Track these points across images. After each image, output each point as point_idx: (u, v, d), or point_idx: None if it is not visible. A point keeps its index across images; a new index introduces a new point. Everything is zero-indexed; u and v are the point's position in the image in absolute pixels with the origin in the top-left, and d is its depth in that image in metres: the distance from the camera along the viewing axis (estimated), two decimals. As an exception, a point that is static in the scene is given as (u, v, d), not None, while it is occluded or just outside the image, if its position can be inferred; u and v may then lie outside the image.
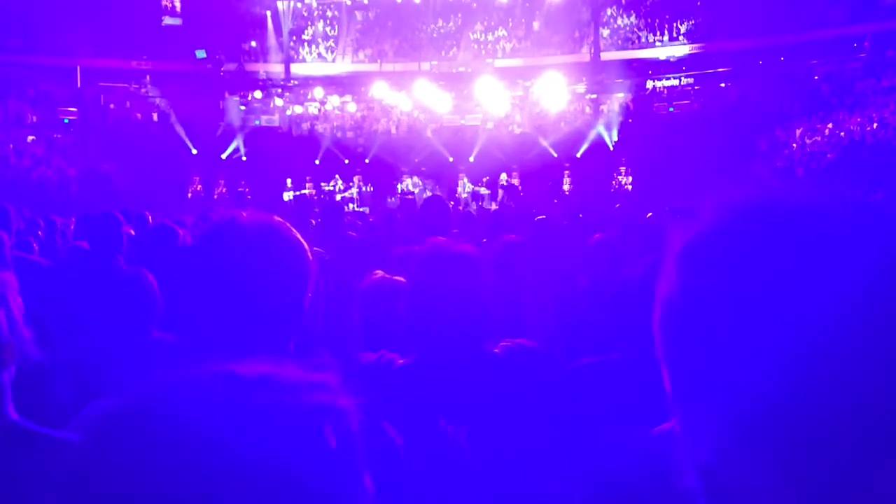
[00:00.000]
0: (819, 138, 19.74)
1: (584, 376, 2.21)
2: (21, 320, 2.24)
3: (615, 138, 22.83)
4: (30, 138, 22.01)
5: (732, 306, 0.62)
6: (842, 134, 19.19)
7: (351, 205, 20.40)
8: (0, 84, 22.92)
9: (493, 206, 17.17)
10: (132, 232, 4.84)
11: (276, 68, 27.87)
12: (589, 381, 2.18)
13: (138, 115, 25.14)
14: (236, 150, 23.37)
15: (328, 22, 29.69)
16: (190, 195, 22.23)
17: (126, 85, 25.83)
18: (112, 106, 25.05)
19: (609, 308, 2.62)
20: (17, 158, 20.75)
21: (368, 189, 22.03)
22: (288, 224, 1.50)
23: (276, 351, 1.42)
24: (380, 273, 3.02)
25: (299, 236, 1.49)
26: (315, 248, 4.53)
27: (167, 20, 27.40)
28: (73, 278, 2.48)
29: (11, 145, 21.09)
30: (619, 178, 22.10)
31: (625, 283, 2.20)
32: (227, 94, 25.93)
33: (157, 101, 25.48)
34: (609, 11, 26.98)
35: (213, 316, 1.43)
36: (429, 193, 20.53)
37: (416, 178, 22.28)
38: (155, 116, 25.14)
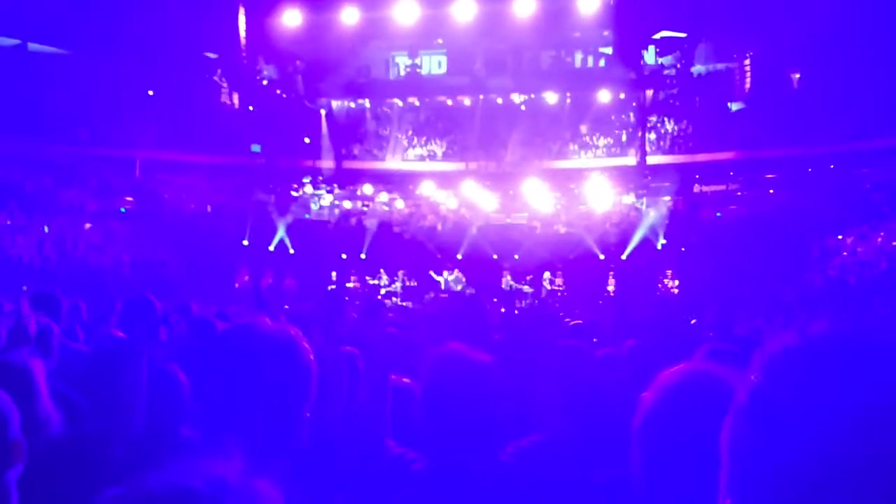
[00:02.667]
0: (870, 247, 19.43)
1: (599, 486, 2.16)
2: (48, 403, 2.27)
3: (662, 241, 22.76)
4: (87, 226, 22.74)
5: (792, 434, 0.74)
6: (895, 243, 18.88)
7: (394, 298, 20.51)
8: (65, 173, 23.91)
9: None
10: (173, 322, 4.92)
11: (327, 164, 28.64)
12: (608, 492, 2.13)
13: (192, 205, 25.90)
14: (282, 241, 23.82)
15: (380, 122, 30.59)
16: (237, 286, 22.59)
17: (182, 177, 26.73)
18: (167, 196, 25.87)
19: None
20: (74, 245, 21.40)
21: (412, 284, 22.15)
22: (296, 335, 1.63)
23: (279, 446, 1.50)
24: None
25: (305, 347, 1.62)
26: (348, 349, 4.53)
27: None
28: (107, 368, 2.52)
29: (69, 233, 21.80)
30: (666, 281, 21.92)
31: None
32: (278, 188, 26.66)
33: (211, 193, 26.27)
34: (654, 116, 27.34)
35: (224, 413, 1.52)
36: (470, 290, 20.59)
37: (458, 274, 22.36)
38: (209, 208, 25.88)
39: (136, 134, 25.47)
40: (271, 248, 23.87)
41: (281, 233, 23.89)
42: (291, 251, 23.88)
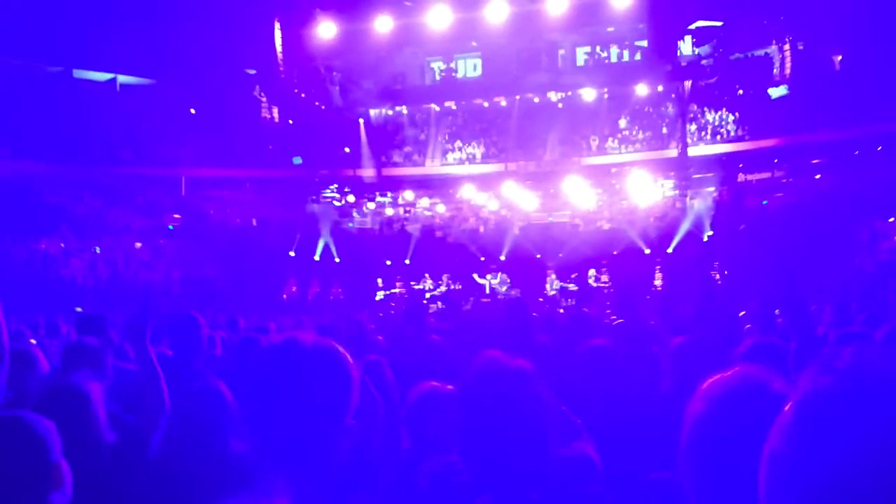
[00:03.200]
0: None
1: (646, 492, 2.16)
2: (105, 425, 2.36)
3: (708, 233, 22.48)
4: (137, 245, 23.24)
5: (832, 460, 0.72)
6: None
7: (438, 303, 20.57)
8: (112, 194, 24.48)
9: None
10: (220, 336, 5.03)
11: (368, 172, 28.86)
12: (650, 498, 2.13)
13: (238, 220, 26.31)
14: (327, 250, 24.08)
15: (418, 127, 30.72)
16: (285, 297, 22.89)
17: (227, 192, 27.17)
18: (212, 212, 26.31)
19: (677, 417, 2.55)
20: (125, 264, 21.90)
21: (457, 287, 22.18)
22: (338, 347, 1.67)
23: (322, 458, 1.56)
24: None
25: (347, 357, 1.66)
26: (374, 357, 4.56)
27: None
28: (155, 387, 2.61)
29: (121, 252, 22.32)
30: (713, 273, 21.62)
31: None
32: (321, 198, 26.96)
33: (256, 206, 26.67)
34: (694, 106, 27.00)
35: (270, 427, 1.58)
36: (514, 293, 20.54)
37: (503, 276, 22.32)
38: (254, 221, 26.28)
39: (180, 152, 25.98)
40: (316, 257, 24.14)
41: (325, 241, 24.15)
42: (337, 259, 24.12)
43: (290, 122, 29.15)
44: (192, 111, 27.53)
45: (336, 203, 27.25)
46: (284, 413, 1.61)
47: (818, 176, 23.82)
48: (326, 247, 24.31)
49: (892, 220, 19.92)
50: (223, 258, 22.80)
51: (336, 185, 27.99)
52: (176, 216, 25.38)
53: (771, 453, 0.79)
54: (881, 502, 0.69)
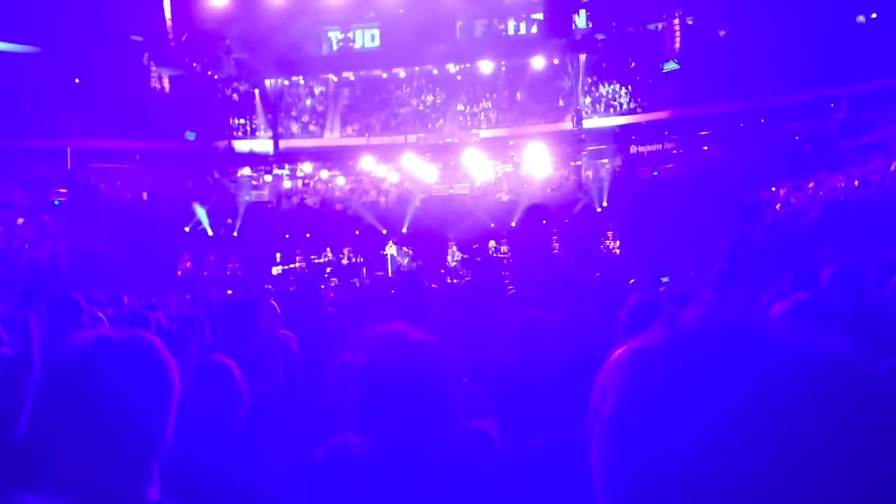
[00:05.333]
0: (803, 197, 19.96)
1: (531, 458, 2.20)
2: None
3: (602, 203, 23.08)
4: (20, 220, 22.10)
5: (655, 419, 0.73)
6: (821, 193, 19.42)
7: (333, 279, 20.39)
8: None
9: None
10: (108, 315, 4.84)
11: (264, 144, 28.22)
12: (537, 463, 2.17)
13: (128, 193, 25.33)
14: (214, 224, 23.44)
15: (315, 98, 30.21)
16: (180, 273, 22.26)
17: (116, 164, 26.08)
18: (102, 186, 25.25)
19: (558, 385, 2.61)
20: (7, 241, 20.80)
21: (358, 260, 22.04)
22: (153, 342, 1.51)
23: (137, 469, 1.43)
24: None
25: (163, 355, 1.51)
26: (283, 332, 4.51)
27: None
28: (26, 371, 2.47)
29: (1, 228, 21.17)
30: (608, 242, 22.23)
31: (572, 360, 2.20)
32: (215, 171, 26.23)
33: (147, 179, 25.72)
34: (589, 80, 27.52)
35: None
36: (415, 265, 20.60)
37: (405, 248, 22.33)
38: (144, 195, 25.34)
39: (65, 123, 24.71)
40: (186, 229, 23.34)
41: (201, 215, 23.45)
42: (210, 233, 23.48)
43: (180, 93, 28.09)
44: (77, 80, 26.20)
45: (230, 176, 26.56)
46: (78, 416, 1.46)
47: (706, 147, 24.73)
48: (208, 221, 23.60)
49: (774, 188, 20.91)
50: (113, 234, 21.92)
51: (230, 158, 27.25)
52: (62, 190, 24.22)
53: (599, 440, 0.79)
54: (709, 460, 0.70)
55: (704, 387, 0.71)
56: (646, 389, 0.74)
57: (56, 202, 23.85)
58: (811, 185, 20.20)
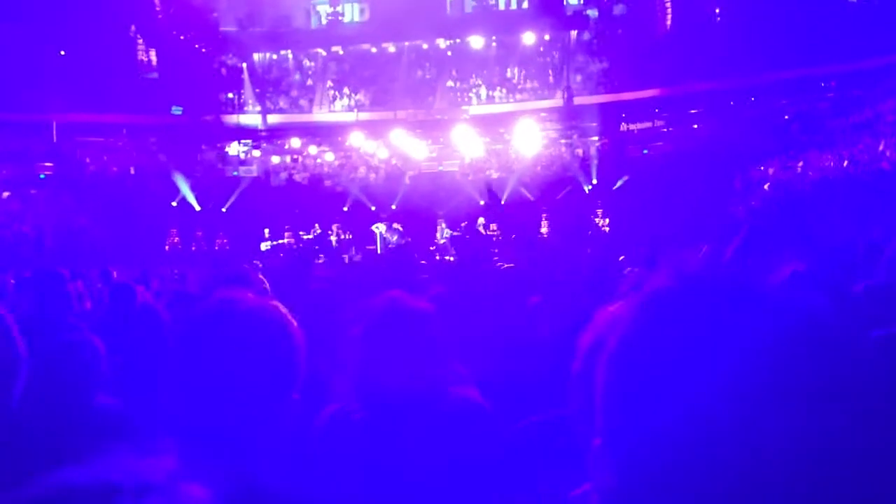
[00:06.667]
0: (791, 176, 20.02)
1: (525, 435, 2.20)
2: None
3: (592, 181, 23.08)
4: (5, 194, 21.91)
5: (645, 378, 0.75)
6: (810, 173, 19.49)
7: (321, 256, 20.34)
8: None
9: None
10: (93, 290, 4.80)
11: (253, 119, 28.01)
12: (529, 440, 2.18)
13: (115, 168, 25.12)
14: (200, 199, 23.35)
15: (304, 73, 29.98)
16: (167, 248, 22.15)
17: (102, 138, 25.83)
18: (88, 160, 25.03)
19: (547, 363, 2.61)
20: (-8, 215, 20.66)
21: (347, 237, 22.00)
22: (283, 311, 1.50)
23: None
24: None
25: (293, 324, 1.50)
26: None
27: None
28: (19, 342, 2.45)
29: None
30: (597, 220, 22.25)
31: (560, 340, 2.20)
32: (203, 147, 26.03)
33: (134, 153, 25.51)
34: (580, 57, 27.41)
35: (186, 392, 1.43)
36: (399, 241, 20.57)
37: (395, 225, 22.28)
38: (132, 170, 25.14)
39: (51, 97, 24.39)
40: (174, 203, 23.24)
41: (185, 190, 23.31)
42: (197, 209, 23.36)
43: (170, 65, 27.78)
44: (62, 53, 25.84)
45: (219, 152, 26.38)
46: (207, 379, 1.45)
47: (696, 125, 24.73)
48: (194, 196, 23.47)
49: (762, 168, 20.96)
50: (100, 209, 21.77)
51: (218, 133, 27.03)
52: (47, 164, 23.99)
53: (604, 376, 0.80)
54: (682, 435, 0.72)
55: (695, 332, 0.74)
56: (646, 330, 0.77)
57: (42, 176, 23.64)
58: (800, 164, 20.25)
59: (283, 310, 1.54)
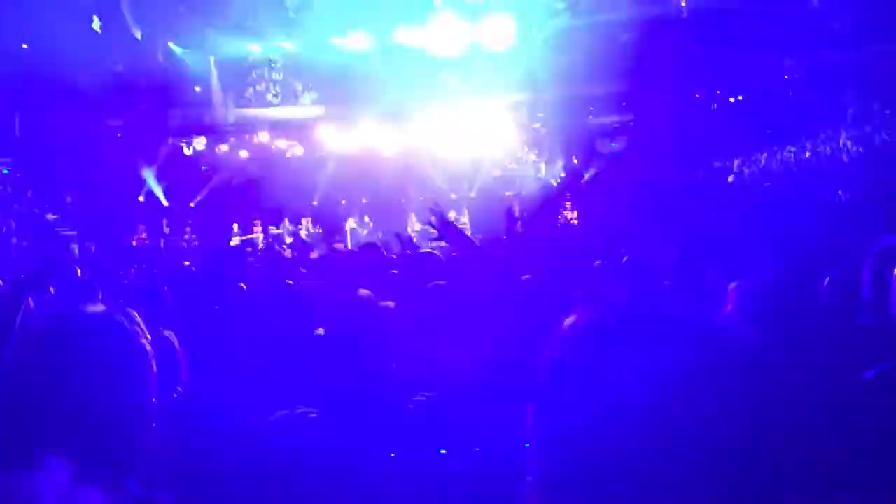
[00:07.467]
0: (755, 168, 20.29)
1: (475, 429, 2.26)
2: None
3: (559, 174, 23.21)
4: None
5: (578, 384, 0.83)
6: (774, 165, 19.78)
7: (287, 251, 20.25)
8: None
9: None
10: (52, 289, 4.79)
11: (219, 113, 27.70)
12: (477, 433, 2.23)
13: (80, 162, 24.72)
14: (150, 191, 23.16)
15: (273, 67, 29.68)
16: (135, 243, 21.93)
17: (66, 133, 25.37)
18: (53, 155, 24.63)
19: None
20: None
21: (317, 231, 21.94)
22: (130, 319, 1.48)
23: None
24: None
25: (141, 334, 1.48)
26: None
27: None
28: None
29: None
30: (566, 213, 22.38)
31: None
32: (170, 140, 25.73)
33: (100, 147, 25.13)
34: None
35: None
36: (369, 235, 20.57)
37: (365, 219, 22.26)
38: (98, 164, 24.76)
39: (15, 91, 23.91)
40: (141, 198, 23.05)
41: (151, 182, 23.10)
42: (165, 203, 23.17)
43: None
44: (25, 46, 25.33)
45: (187, 146, 26.10)
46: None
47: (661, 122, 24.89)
48: (162, 191, 23.28)
49: (736, 162, 21.19)
50: (66, 202, 21.49)
51: (185, 128, 26.71)
52: (6, 160, 23.58)
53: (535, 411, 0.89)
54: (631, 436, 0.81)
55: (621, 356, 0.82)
56: (576, 356, 0.86)
57: (5, 171, 23.25)
58: (763, 156, 20.53)
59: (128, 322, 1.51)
